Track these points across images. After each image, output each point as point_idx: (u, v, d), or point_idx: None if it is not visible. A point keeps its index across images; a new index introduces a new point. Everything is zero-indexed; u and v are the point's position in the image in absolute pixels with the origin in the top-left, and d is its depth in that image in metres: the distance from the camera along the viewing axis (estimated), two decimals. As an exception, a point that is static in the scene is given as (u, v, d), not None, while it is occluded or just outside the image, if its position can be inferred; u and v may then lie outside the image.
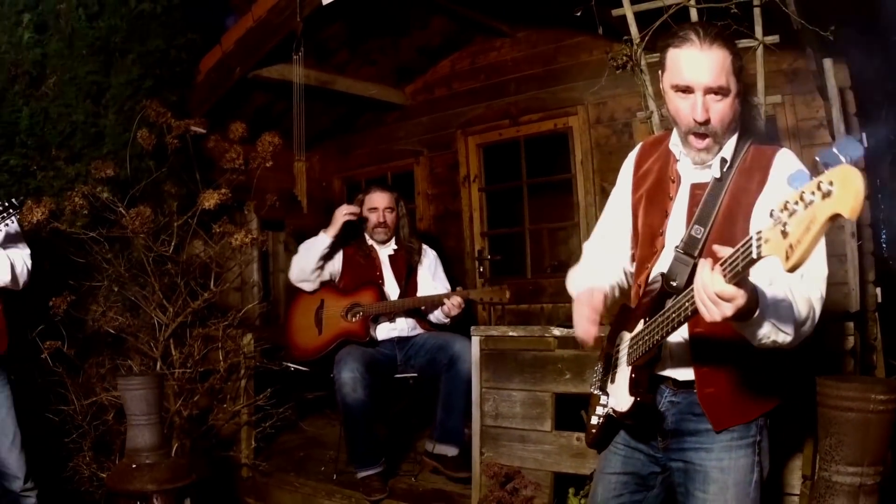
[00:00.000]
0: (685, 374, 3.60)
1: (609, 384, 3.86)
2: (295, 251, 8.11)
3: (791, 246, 2.30)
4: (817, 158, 2.39)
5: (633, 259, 3.99)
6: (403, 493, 7.20)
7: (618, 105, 9.34)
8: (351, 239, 7.95)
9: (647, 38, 5.74)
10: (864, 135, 6.94)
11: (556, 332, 5.94)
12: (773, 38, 5.61)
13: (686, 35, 3.37)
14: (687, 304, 3.07)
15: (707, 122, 3.36)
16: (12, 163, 7.61)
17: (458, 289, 7.66)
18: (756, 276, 2.86)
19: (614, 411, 3.74)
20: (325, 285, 7.85)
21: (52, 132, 7.89)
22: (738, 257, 2.66)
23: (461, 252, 10.92)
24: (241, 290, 8.88)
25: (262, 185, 7.86)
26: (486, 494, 5.65)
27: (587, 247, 4.30)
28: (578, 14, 6.07)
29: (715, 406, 3.51)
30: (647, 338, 3.47)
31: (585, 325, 3.77)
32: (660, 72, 3.57)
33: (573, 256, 10.13)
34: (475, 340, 6.36)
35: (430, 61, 11.29)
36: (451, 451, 7.21)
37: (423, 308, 7.66)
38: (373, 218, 7.82)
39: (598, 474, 4.13)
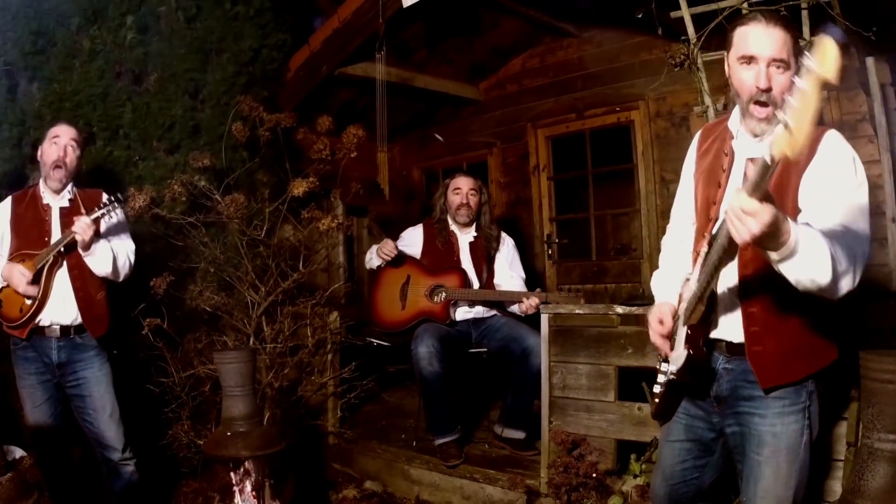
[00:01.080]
0: (736, 335, 3.68)
1: (670, 353, 3.93)
2: (377, 235, 8.22)
3: (792, 133, 2.41)
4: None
5: None
6: (478, 459, 7.30)
7: (676, 100, 9.39)
8: (433, 217, 8.03)
9: (702, 38, 5.79)
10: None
11: (619, 309, 5.97)
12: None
13: (753, 15, 3.52)
14: (722, 236, 3.16)
15: (769, 90, 3.43)
16: (116, 154, 7.77)
17: (537, 290, 7.57)
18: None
19: (672, 373, 3.82)
20: (412, 260, 7.91)
21: (153, 125, 8.05)
22: (758, 172, 2.75)
23: (531, 236, 11.02)
24: (328, 271, 8.94)
25: (347, 174, 7.93)
26: (555, 460, 5.70)
27: (664, 242, 4.40)
28: (640, 16, 6.16)
29: (762, 364, 3.58)
30: (697, 292, 3.57)
31: (654, 337, 3.96)
32: (726, 52, 3.66)
33: (634, 240, 10.30)
34: (544, 318, 6.39)
35: (503, 60, 11.39)
36: (518, 434, 7.34)
37: (504, 300, 7.62)
38: (456, 199, 7.78)
39: (662, 442, 4.25)
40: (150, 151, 8.06)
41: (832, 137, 3.46)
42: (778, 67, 3.42)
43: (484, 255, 7.89)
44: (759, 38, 3.44)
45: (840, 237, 3.12)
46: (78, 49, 7.53)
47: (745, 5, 5.57)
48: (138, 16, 7.91)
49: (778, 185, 3.43)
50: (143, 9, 7.97)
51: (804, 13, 5.56)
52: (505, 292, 7.56)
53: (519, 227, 10.77)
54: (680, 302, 3.95)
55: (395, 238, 7.97)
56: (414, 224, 8.34)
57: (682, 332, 3.74)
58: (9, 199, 6.04)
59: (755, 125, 3.54)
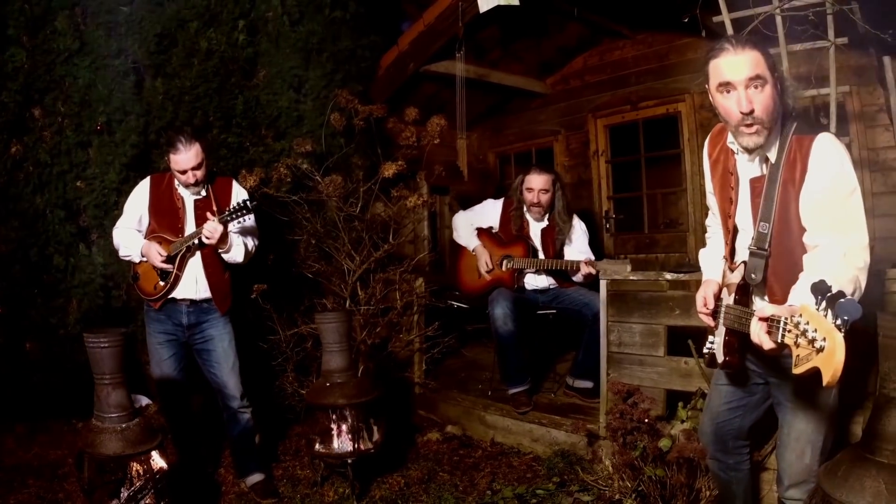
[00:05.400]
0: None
1: (718, 323, 4.01)
2: (457, 211, 8.28)
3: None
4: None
5: None
6: (545, 406, 7.40)
7: (718, 94, 9.41)
8: (511, 201, 7.94)
9: (741, 40, 5.88)
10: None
11: (668, 276, 6.01)
12: (842, 40, 5.72)
13: (721, 45, 3.48)
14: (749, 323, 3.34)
15: (752, 111, 3.42)
16: (230, 140, 7.87)
17: (588, 260, 7.57)
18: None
19: (717, 355, 3.96)
20: (487, 233, 7.90)
21: (262, 115, 8.14)
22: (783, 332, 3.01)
23: (591, 213, 11.06)
24: (414, 243, 8.98)
25: (431, 158, 7.99)
26: (612, 407, 5.72)
27: (708, 223, 4.47)
28: (686, 20, 6.22)
29: None
30: (733, 316, 3.70)
31: (700, 315, 4.09)
32: (706, 84, 3.65)
33: (681, 215, 10.35)
34: (603, 283, 6.41)
35: (567, 58, 11.44)
36: (587, 384, 7.46)
37: (563, 268, 7.56)
38: (529, 197, 7.65)
39: (712, 386, 4.42)
40: (259, 138, 8.15)
41: (821, 145, 3.47)
42: (756, 86, 3.41)
43: (553, 241, 7.82)
44: (731, 65, 3.44)
45: (841, 272, 3.21)
46: (196, 49, 7.59)
47: (779, 11, 5.63)
48: (249, 20, 7.97)
49: (783, 204, 3.55)
50: (253, 14, 8.04)
51: (829, 18, 5.62)
52: (562, 261, 7.50)
53: (581, 205, 10.84)
54: (724, 280, 4.04)
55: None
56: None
57: (723, 330, 3.90)
58: (147, 180, 6.13)
59: (746, 140, 3.55)
